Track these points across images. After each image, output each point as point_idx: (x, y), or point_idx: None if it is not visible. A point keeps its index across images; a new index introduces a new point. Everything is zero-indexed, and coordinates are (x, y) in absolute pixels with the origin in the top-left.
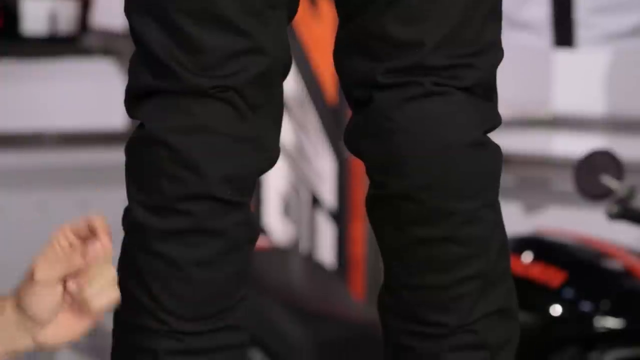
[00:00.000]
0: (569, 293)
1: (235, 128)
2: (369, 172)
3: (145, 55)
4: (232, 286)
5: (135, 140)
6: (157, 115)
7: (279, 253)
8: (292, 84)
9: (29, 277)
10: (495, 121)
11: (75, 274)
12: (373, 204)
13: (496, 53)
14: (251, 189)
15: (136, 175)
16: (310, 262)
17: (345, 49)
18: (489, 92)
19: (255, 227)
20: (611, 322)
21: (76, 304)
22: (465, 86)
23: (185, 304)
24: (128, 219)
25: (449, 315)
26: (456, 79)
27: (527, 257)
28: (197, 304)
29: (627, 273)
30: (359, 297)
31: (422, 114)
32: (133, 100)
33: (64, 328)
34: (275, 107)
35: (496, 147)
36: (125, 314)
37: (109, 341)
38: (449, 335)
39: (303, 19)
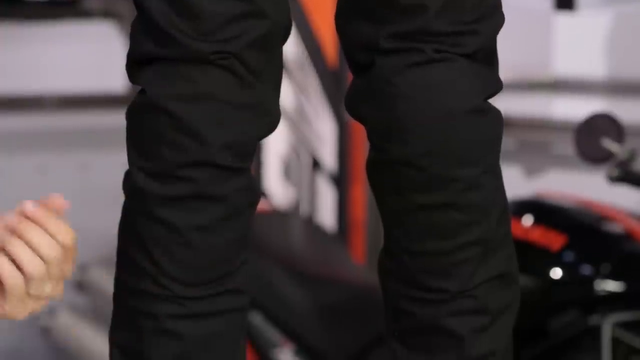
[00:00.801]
0: (569, 256)
1: (235, 95)
2: (369, 136)
3: (146, 21)
4: (233, 251)
5: (136, 106)
6: (158, 82)
7: (279, 216)
8: (292, 47)
9: None
10: (496, 87)
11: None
12: (373, 168)
13: (497, 18)
14: (252, 155)
15: (137, 141)
16: (311, 225)
17: (347, 12)
18: (490, 58)
19: (256, 192)
20: (611, 286)
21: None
22: (467, 53)
23: (186, 269)
24: (128, 183)
25: (449, 280)
26: (458, 46)
27: (527, 220)
28: (198, 269)
29: (627, 236)
30: (360, 261)
31: (423, 81)
32: (134, 66)
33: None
34: (275, 72)
35: (497, 113)
36: (126, 279)
37: (110, 305)
38: (449, 300)
39: None
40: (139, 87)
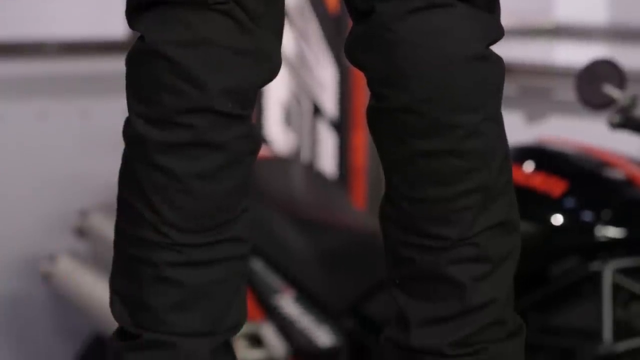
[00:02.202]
0: (570, 202)
1: (235, 40)
2: (369, 83)
3: None
4: (233, 199)
5: (135, 52)
6: (157, 27)
7: (280, 162)
8: None
9: None
10: (497, 33)
11: None
12: (374, 116)
13: None
14: (252, 102)
15: (136, 88)
16: (311, 171)
17: None
18: (491, 4)
19: (256, 140)
20: (612, 232)
21: None
22: None
23: (186, 216)
24: (128, 130)
25: (449, 228)
26: None
27: (529, 166)
28: (198, 217)
29: (628, 182)
30: (360, 206)
31: (424, 27)
32: (133, 11)
33: None
34: (276, 18)
35: (499, 60)
36: (126, 226)
37: (110, 251)
38: (449, 248)
39: None
40: (139, 34)
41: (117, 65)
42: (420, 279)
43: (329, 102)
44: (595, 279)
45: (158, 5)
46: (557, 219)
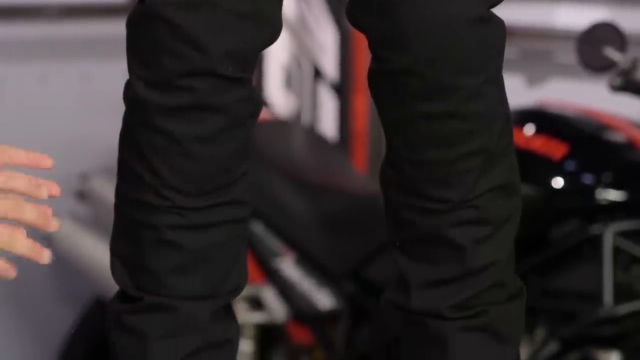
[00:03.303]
0: (570, 165)
1: (236, 3)
2: (370, 46)
3: None
4: (234, 162)
5: (136, 15)
6: None
7: (280, 125)
8: None
9: None
10: None
11: None
12: (375, 78)
13: None
14: (253, 65)
15: (137, 51)
16: (312, 134)
17: None
18: None
19: (257, 103)
20: (613, 195)
21: None
22: None
23: (186, 179)
24: (129, 93)
25: (450, 190)
26: None
27: (529, 129)
28: (198, 180)
29: (629, 145)
30: (361, 170)
31: None
32: None
33: None
34: None
35: (500, 22)
36: (126, 189)
37: (111, 214)
38: (450, 210)
39: None
40: None
41: (117, 29)
42: (421, 242)
43: (330, 65)
44: (595, 242)
45: None
46: (558, 182)
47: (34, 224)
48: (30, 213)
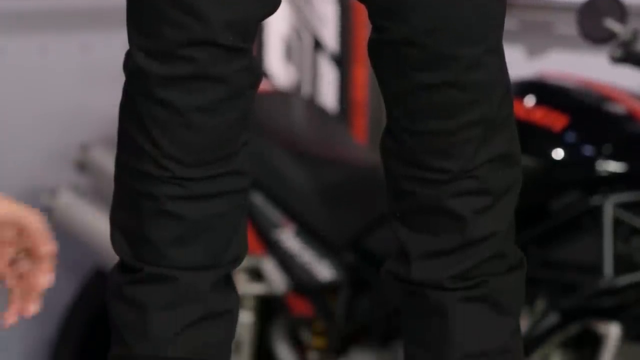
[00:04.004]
0: (571, 137)
1: None
2: (370, 16)
3: None
4: (234, 132)
5: None
6: None
7: (280, 97)
8: None
9: None
10: None
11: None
12: (375, 48)
13: None
14: (253, 35)
15: (137, 20)
16: (313, 105)
17: None
18: None
19: (257, 73)
20: (613, 166)
21: None
22: None
23: (187, 150)
24: (129, 64)
25: (450, 160)
26: None
27: (530, 101)
28: (199, 150)
29: (629, 117)
30: (361, 141)
31: None
32: None
33: None
34: None
35: None
36: (126, 160)
37: (111, 185)
38: (450, 181)
39: None
40: None
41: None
42: (421, 212)
43: (330, 36)
44: (596, 213)
45: None
46: (558, 154)
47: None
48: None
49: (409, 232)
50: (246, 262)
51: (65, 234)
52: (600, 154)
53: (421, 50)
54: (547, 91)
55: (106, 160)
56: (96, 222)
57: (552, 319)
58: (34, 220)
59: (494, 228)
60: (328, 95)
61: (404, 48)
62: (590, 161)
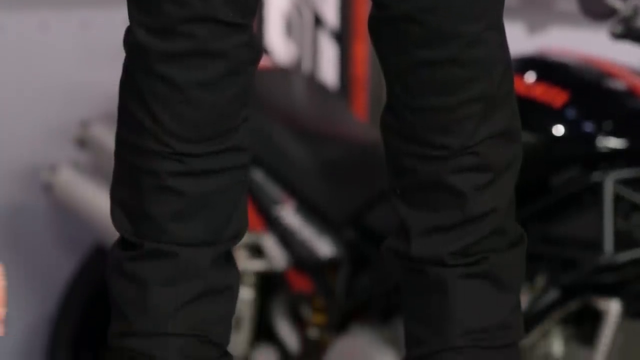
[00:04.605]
0: (571, 113)
1: None
2: None
3: None
4: (234, 108)
5: None
6: None
7: (280, 73)
8: None
9: None
10: None
11: None
12: (375, 25)
13: None
14: (253, 10)
15: None
16: (313, 82)
17: None
18: None
19: (257, 49)
20: (613, 142)
21: None
22: None
23: (187, 125)
24: (129, 40)
25: (451, 137)
26: None
27: (530, 77)
28: (199, 126)
29: (630, 93)
30: (362, 117)
31: None
32: None
33: None
34: None
35: None
36: (127, 136)
37: (111, 161)
38: (451, 157)
39: None
40: None
41: None
42: (421, 189)
43: (330, 13)
44: (596, 190)
45: None
46: (558, 130)
47: None
48: None
49: (409, 209)
50: (246, 239)
51: (65, 210)
52: (600, 130)
53: (422, 27)
54: (547, 67)
55: (106, 137)
56: (96, 199)
57: (552, 295)
58: None
59: (494, 204)
60: (328, 71)
61: (404, 25)
62: (591, 137)
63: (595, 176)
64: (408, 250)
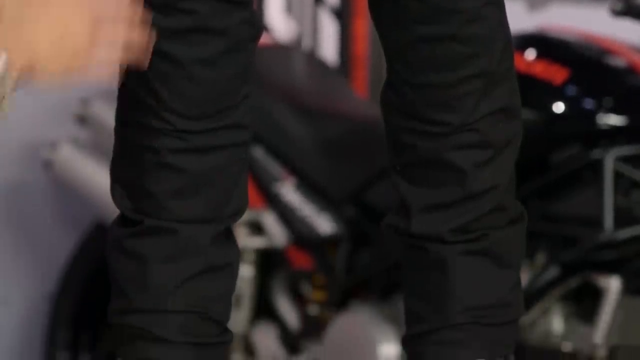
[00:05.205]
0: (571, 90)
1: None
2: None
3: None
4: (235, 85)
5: None
6: None
7: (281, 50)
8: None
9: None
10: None
11: None
12: (375, 2)
13: None
14: None
15: None
16: (313, 59)
17: None
18: None
19: (257, 26)
20: (614, 120)
21: None
22: None
23: (188, 102)
24: None
25: (451, 113)
26: None
27: (530, 54)
28: (200, 103)
29: (630, 70)
30: (362, 94)
31: None
32: None
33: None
34: None
35: None
36: (127, 113)
37: (111, 139)
38: (451, 133)
39: None
40: None
41: None
42: (421, 166)
43: None
44: (596, 167)
45: None
46: (559, 107)
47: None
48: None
49: (409, 186)
50: (246, 216)
51: (65, 187)
52: (600, 107)
53: (421, 3)
54: (547, 44)
55: (106, 114)
56: (96, 176)
57: (553, 272)
58: None
59: (494, 181)
60: (328, 48)
61: (404, 1)
62: (591, 114)
63: (596, 153)
64: (408, 227)
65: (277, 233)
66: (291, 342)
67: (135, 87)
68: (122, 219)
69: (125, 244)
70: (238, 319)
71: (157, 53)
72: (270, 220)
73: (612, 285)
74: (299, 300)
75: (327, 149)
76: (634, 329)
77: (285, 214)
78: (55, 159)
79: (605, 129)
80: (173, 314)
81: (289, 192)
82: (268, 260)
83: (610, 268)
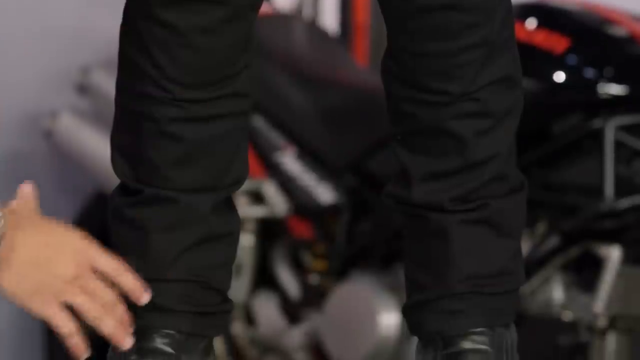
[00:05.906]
0: (572, 59)
1: None
2: None
3: None
4: (235, 54)
5: None
6: None
7: (281, 19)
8: None
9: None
10: None
11: None
12: None
13: None
14: None
15: None
16: (314, 28)
17: None
18: None
19: None
20: (614, 89)
21: None
22: None
23: (187, 71)
24: None
25: (451, 82)
26: None
27: (531, 23)
28: (200, 71)
29: (631, 39)
30: (363, 63)
31: None
32: None
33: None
34: None
35: None
36: (127, 82)
37: (112, 108)
38: (451, 103)
39: None
40: None
41: None
42: (422, 134)
43: None
44: (597, 136)
45: None
46: (560, 76)
47: (108, 334)
48: (107, 326)
49: (410, 154)
50: (247, 185)
51: (65, 157)
52: (601, 77)
53: None
54: (548, 14)
55: (107, 83)
56: (96, 145)
57: (553, 241)
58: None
59: (494, 150)
60: (329, 17)
61: None
62: (592, 84)
63: (596, 123)
64: (409, 195)
65: (277, 202)
66: (291, 311)
67: (134, 56)
68: (123, 188)
69: (126, 213)
70: (238, 288)
71: (157, 21)
72: (270, 190)
73: (613, 254)
74: (300, 269)
75: (327, 118)
76: (634, 298)
77: (286, 183)
78: (56, 128)
79: (605, 98)
80: (173, 283)
81: (290, 161)
82: (268, 230)
83: (610, 237)
